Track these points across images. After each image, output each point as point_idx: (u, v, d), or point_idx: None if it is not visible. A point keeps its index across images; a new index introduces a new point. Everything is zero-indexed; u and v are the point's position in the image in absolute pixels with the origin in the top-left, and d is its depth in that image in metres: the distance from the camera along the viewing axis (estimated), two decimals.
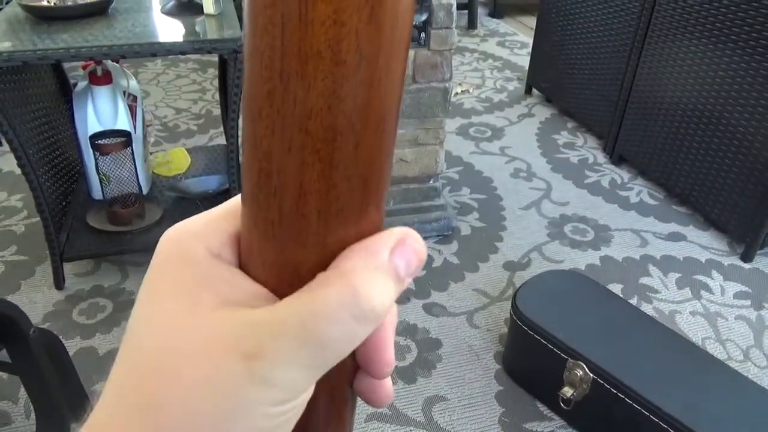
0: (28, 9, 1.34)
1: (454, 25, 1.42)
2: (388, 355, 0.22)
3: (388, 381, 0.23)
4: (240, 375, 0.17)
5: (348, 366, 0.22)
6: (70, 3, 1.39)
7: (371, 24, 0.15)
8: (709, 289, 1.53)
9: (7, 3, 1.68)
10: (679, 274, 1.58)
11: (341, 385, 0.22)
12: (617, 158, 2.09)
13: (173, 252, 0.19)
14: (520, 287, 1.26)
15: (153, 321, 0.18)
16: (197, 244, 0.19)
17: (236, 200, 0.20)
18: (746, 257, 1.62)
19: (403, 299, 1.44)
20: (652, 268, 1.60)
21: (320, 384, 0.20)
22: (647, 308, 1.45)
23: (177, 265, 0.19)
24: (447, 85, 1.50)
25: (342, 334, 0.17)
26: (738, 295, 1.51)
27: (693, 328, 1.41)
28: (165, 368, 0.17)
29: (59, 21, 1.32)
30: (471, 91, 2.69)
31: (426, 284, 1.51)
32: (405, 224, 1.60)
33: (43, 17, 1.34)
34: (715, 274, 1.59)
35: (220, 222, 0.20)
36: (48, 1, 1.41)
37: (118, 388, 0.18)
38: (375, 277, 0.18)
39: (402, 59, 0.16)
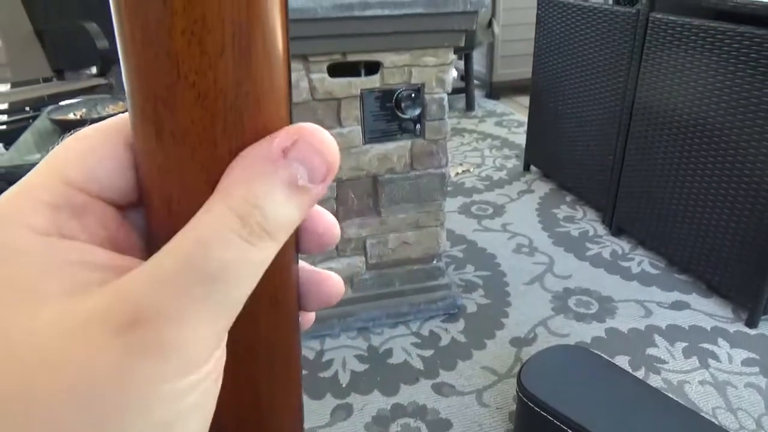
0: (57, 122, 1.47)
1: (446, 116, 1.53)
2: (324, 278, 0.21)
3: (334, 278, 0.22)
4: (116, 356, 0.13)
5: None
6: (95, 115, 1.52)
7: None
8: (716, 357, 1.54)
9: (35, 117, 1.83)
10: (686, 343, 1.59)
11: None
12: (616, 229, 2.15)
13: None
14: (524, 364, 1.28)
15: None
16: (14, 227, 0.15)
17: (37, 170, 0.16)
18: (751, 323, 1.63)
19: (411, 380, 1.46)
20: (658, 339, 1.61)
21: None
22: (655, 379, 1.46)
23: None
24: (443, 170, 1.60)
25: (237, 261, 0.14)
26: (746, 362, 1.51)
27: (703, 398, 1.41)
28: (12, 392, 0.13)
29: None
30: (471, 170, 2.80)
31: (434, 364, 1.54)
32: (411, 305, 1.63)
33: (70, 129, 1.47)
34: (721, 341, 1.60)
35: (31, 193, 0.16)
36: (74, 114, 1.54)
37: None
38: (263, 189, 0.15)
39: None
